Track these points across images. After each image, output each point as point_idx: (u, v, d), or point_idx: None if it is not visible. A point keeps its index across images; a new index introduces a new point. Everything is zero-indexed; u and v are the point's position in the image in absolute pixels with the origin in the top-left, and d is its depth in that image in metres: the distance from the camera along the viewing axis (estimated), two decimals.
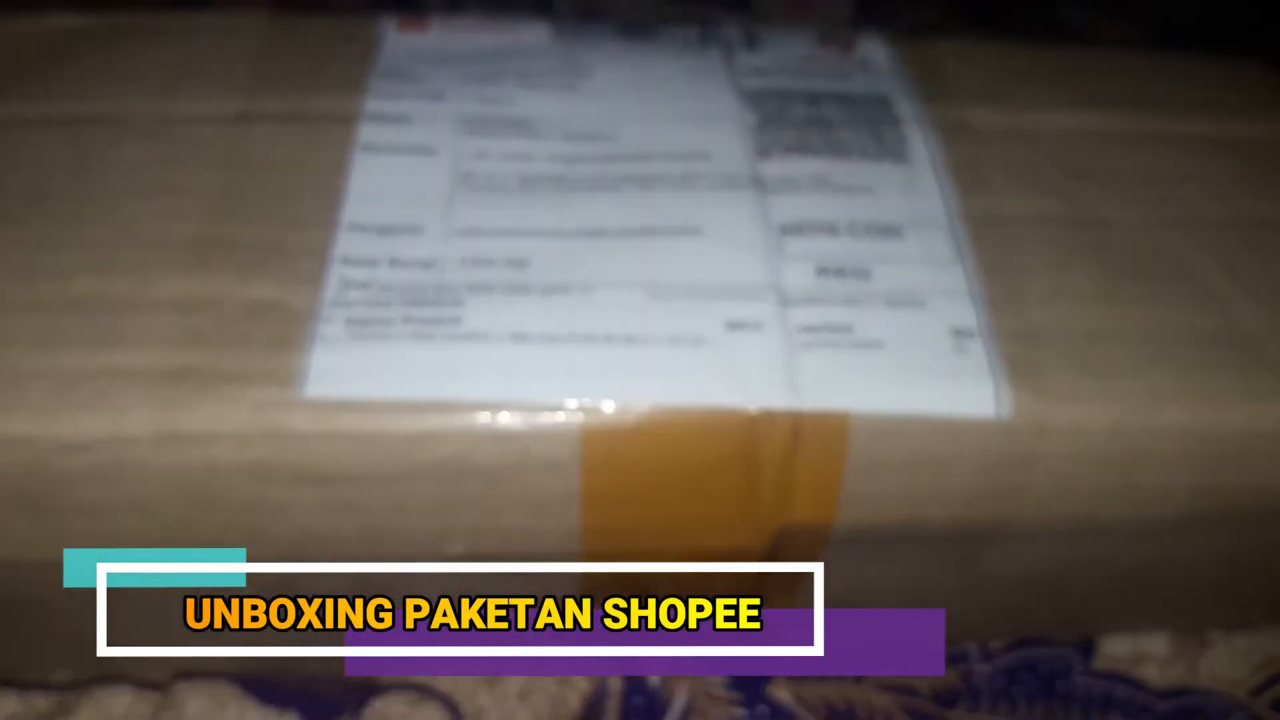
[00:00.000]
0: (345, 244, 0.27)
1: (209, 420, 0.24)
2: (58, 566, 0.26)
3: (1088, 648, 0.36)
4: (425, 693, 0.33)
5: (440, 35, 0.34)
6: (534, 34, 0.35)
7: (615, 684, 0.33)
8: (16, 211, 0.28)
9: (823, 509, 0.27)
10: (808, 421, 0.26)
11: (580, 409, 0.25)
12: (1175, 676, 0.35)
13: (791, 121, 0.32)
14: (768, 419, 0.25)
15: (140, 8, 0.35)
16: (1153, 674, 0.35)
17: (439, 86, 0.32)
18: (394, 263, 0.27)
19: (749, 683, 0.34)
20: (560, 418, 0.25)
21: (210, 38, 0.34)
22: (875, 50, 0.35)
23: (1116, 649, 0.36)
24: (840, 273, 0.28)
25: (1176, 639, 0.36)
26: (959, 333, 0.27)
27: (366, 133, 0.30)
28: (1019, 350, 0.27)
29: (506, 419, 0.25)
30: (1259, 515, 0.28)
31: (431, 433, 0.25)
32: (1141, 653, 0.36)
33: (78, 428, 0.24)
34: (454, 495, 0.25)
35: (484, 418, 0.25)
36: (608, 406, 0.25)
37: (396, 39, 0.34)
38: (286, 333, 0.26)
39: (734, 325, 0.26)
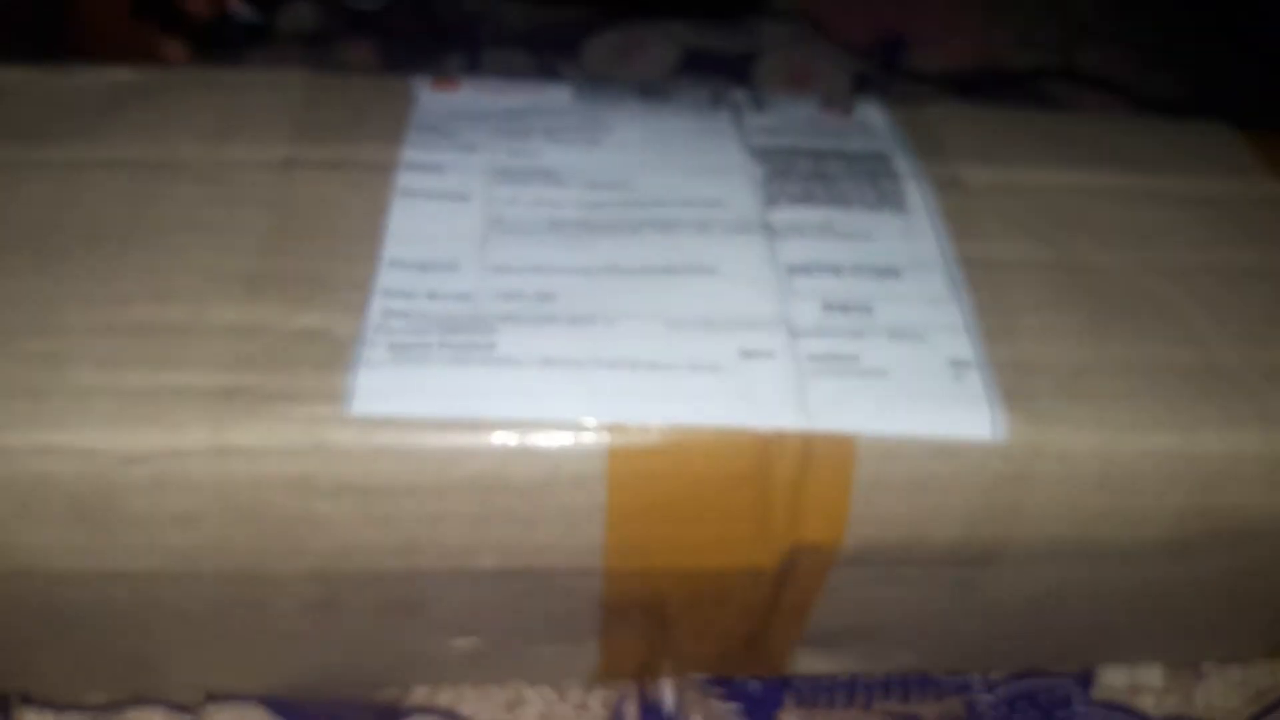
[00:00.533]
0: (386, 278, 0.29)
1: (259, 435, 0.26)
2: (107, 579, 0.28)
3: (1086, 679, 0.37)
4: (449, 717, 0.34)
5: (470, 94, 0.37)
6: (557, 94, 0.37)
7: (631, 710, 0.35)
8: (78, 245, 0.30)
9: (831, 527, 0.28)
10: (817, 442, 0.27)
11: (606, 428, 0.27)
12: (1171, 706, 0.37)
13: (797, 175, 0.34)
14: (779, 439, 0.27)
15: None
16: (1149, 704, 0.37)
17: (471, 140, 0.34)
18: (432, 295, 0.29)
19: (760, 709, 0.35)
20: (587, 436, 0.27)
21: (254, 92, 0.36)
22: (873, 115, 0.38)
23: (1114, 680, 0.37)
24: (845, 309, 0.30)
25: (1172, 671, 0.37)
26: (957, 363, 0.29)
27: (404, 179, 0.32)
28: (1013, 379, 0.29)
29: (536, 437, 0.27)
30: (1244, 537, 0.30)
31: (467, 449, 0.27)
32: (1138, 684, 0.37)
33: (136, 441, 0.26)
34: (487, 508, 0.27)
35: (515, 435, 0.27)
36: (631, 426, 0.27)
37: (430, 97, 0.36)
38: (332, 356, 0.27)
39: (747, 354, 0.28)
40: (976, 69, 0.64)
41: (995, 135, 0.38)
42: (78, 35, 0.57)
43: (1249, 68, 0.63)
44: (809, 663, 0.35)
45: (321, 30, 0.61)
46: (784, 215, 0.33)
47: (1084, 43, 0.67)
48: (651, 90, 0.38)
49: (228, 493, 0.26)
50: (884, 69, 0.64)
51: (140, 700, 0.34)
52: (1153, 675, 0.37)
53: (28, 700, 0.34)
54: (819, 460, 0.27)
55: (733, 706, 0.35)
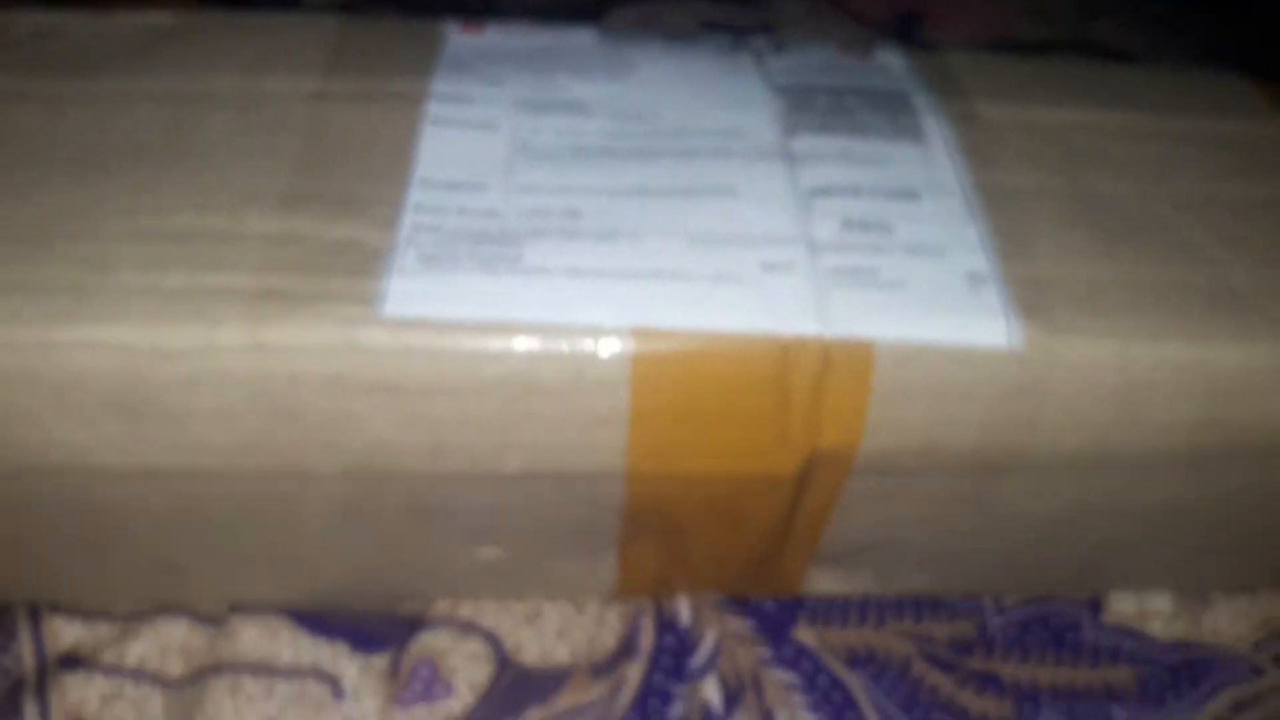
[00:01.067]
0: (417, 195, 0.30)
1: (294, 333, 0.27)
2: (141, 476, 0.29)
3: (1096, 604, 0.38)
4: (470, 628, 0.35)
5: (497, 37, 0.37)
6: (582, 35, 0.38)
7: (648, 624, 0.35)
8: (119, 165, 0.31)
9: (849, 433, 0.29)
10: (836, 348, 0.28)
11: (630, 333, 0.28)
12: (1180, 631, 0.37)
13: (816, 108, 0.35)
14: (800, 345, 0.28)
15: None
16: (1158, 629, 0.37)
17: (498, 75, 0.35)
18: (461, 211, 0.30)
19: (775, 626, 0.36)
20: (612, 341, 0.28)
21: (288, 32, 0.37)
22: (891, 58, 0.39)
23: (1123, 606, 0.38)
24: (864, 227, 0.31)
25: (1180, 598, 0.38)
26: (974, 277, 0.30)
27: (434, 109, 0.33)
28: (1029, 294, 0.30)
29: (562, 341, 0.27)
30: (1256, 453, 0.31)
31: (494, 351, 0.27)
32: (1147, 610, 0.38)
33: (174, 337, 0.27)
34: (514, 410, 0.28)
35: (541, 339, 0.27)
36: (655, 331, 0.28)
37: (459, 39, 0.37)
38: (365, 264, 0.28)
39: (768, 266, 0.29)
40: (990, 42, 0.65)
41: (1011, 78, 0.39)
42: None
43: (1261, 38, 0.63)
44: (822, 583, 0.36)
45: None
46: (804, 143, 0.33)
47: (1097, 15, 0.67)
48: (675, 35, 0.39)
49: (263, 389, 0.27)
50: (899, 43, 0.64)
51: (166, 610, 0.35)
52: (1162, 601, 0.38)
53: (56, 609, 0.35)
54: (838, 366, 0.28)
55: (748, 623, 0.36)
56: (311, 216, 0.30)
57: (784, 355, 0.28)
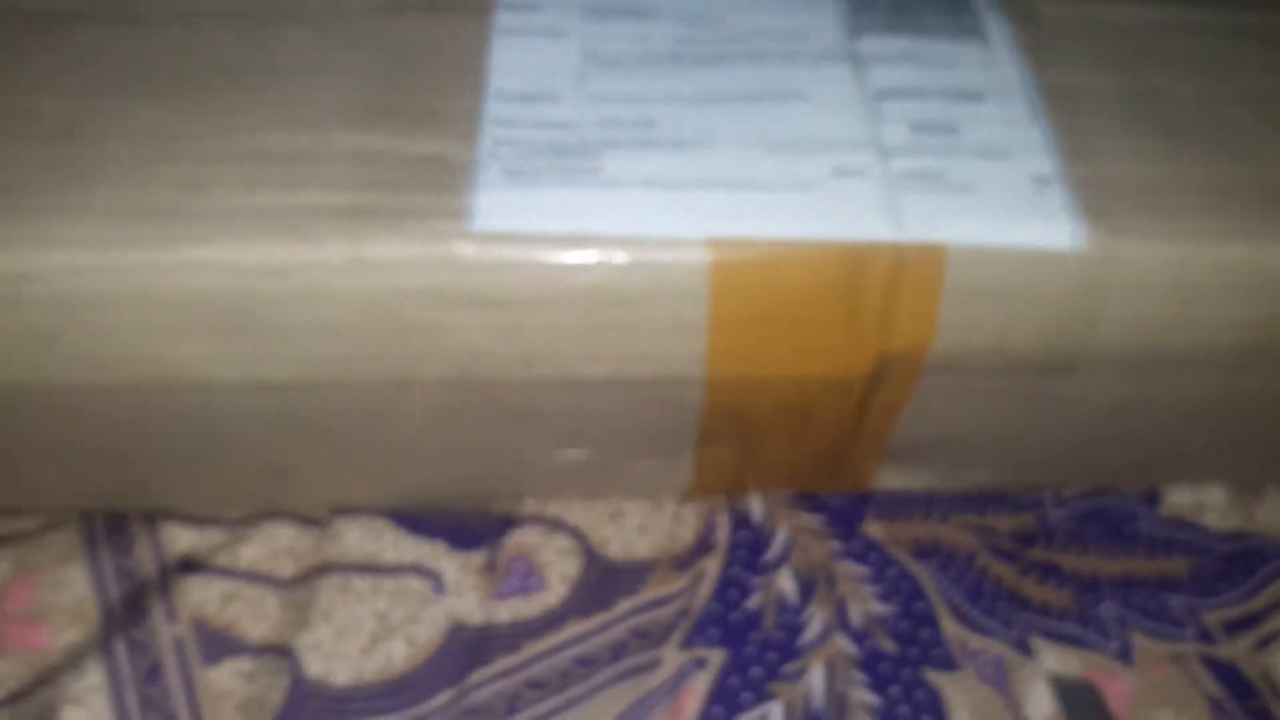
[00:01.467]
0: (494, 108, 0.31)
1: (391, 249, 0.28)
2: (250, 390, 0.31)
3: (1153, 497, 0.39)
4: (558, 525, 0.37)
5: None
6: None
7: (723, 520, 0.37)
8: (205, 84, 0.32)
9: (921, 335, 0.30)
10: (908, 252, 0.29)
11: (707, 243, 0.29)
12: (1234, 523, 0.39)
13: (880, 8, 0.35)
14: (872, 250, 0.29)
15: None
16: (1213, 520, 0.39)
17: None
18: (538, 123, 0.31)
19: (844, 520, 0.37)
20: (690, 251, 0.29)
21: None
22: None
23: (1179, 499, 0.39)
24: (932, 129, 0.31)
25: (1234, 491, 0.39)
26: (1039, 179, 0.30)
27: (503, 19, 0.34)
28: (1092, 195, 0.30)
29: (643, 251, 0.29)
30: None
31: (579, 263, 0.29)
32: (1202, 503, 0.39)
33: (278, 255, 0.28)
34: (599, 319, 0.29)
35: (623, 250, 0.29)
36: (731, 241, 0.29)
37: None
38: (451, 180, 0.29)
39: (840, 171, 0.30)
40: None
41: None
42: None
43: None
44: (889, 479, 0.38)
45: None
46: (869, 45, 0.34)
47: None
48: None
49: (363, 303, 0.29)
50: None
51: (272, 514, 0.37)
52: (1216, 495, 0.39)
53: (170, 516, 0.37)
54: (909, 269, 0.29)
55: (818, 518, 0.38)
56: (394, 132, 0.31)
57: (857, 260, 0.29)
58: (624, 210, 0.29)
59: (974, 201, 0.30)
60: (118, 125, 0.31)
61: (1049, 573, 0.37)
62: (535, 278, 0.29)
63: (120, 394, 0.31)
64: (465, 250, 0.28)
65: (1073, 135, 0.32)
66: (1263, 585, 0.37)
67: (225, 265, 0.28)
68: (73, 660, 0.34)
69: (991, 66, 0.34)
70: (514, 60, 0.33)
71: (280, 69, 0.32)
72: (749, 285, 0.29)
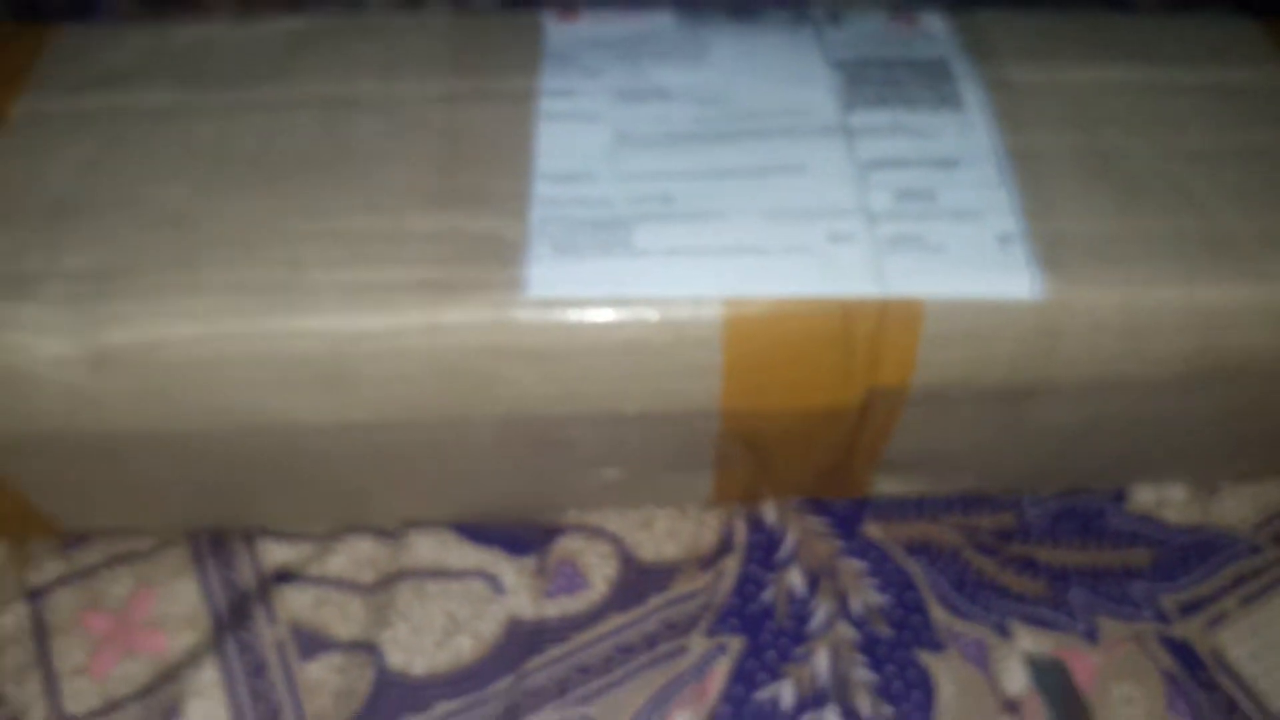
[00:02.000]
0: (541, 189, 0.37)
1: (461, 316, 0.34)
2: (337, 429, 0.36)
3: (1120, 496, 0.44)
4: (598, 532, 0.43)
5: (589, 24, 0.43)
6: (661, 19, 0.44)
7: (740, 525, 0.43)
8: (294, 170, 0.38)
9: (903, 373, 0.36)
10: (891, 306, 0.35)
11: (721, 301, 0.34)
12: (1191, 517, 0.44)
13: (870, 82, 0.41)
14: (860, 304, 0.34)
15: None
16: (1173, 515, 0.44)
17: (595, 66, 0.41)
18: (578, 201, 0.37)
19: (846, 523, 0.43)
20: (707, 308, 0.34)
21: (408, 34, 0.43)
22: (934, 23, 0.44)
23: (1143, 496, 0.45)
24: (913, 196, 0.37)
25: (1192, 489, 0.45)
26: (1003, 238, 0.36)
27: (545, 105, 0.40)
28: (1049, 249, 0.36)
29: (668, 309, 0.34)
30: (1242, 374, 0.37)
31: (615, 321, 0.34)
32: (1164, 499, 0.45)
33: (364, 323, 0.34)
34: (631, 366, 0.35)
35: (651, 309, 0.34)
36: (741, 299, 0.34)
37: (556, 28, 0.43)
38: (507, 254, 0.35)
39: (833, 237, 0.36)
40: None
41: (1038, 36, 0.44)
42: None
43: None
44: (885, 486, 0.43)
45: None
46: (860, 118, 0.39)
47: None
48: (741, 12, 0.44)
49: (436, 358, 0.34)
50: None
51: (352, 529, 0.43)
52: (1176, 492, 0.45)
53: (265, 533, 0.43)
54: (891, 319, 0.35)
55: (823, 521, 0.43)
56: (457, 212, 0.36)
57: (847, 313, 0.35)
58: (651, 276, 0.35)
59: (947, 260, 0.35)
60: (220, 211, 0.36)
61: (1025, 565, 0.43)
62: (579, 334, 0.34)
63: (229, 436, 0.37)
64: (520, 314, 0.34)
65: (1035, 194, 0.37)
66: (1214, 571, 0.43)
67: (320, 333, 0.34)
68: (192, 660, 0.40)
69: (967, 133, 0.39)
70: (556, 143, 0.38)
71: (358, 154, 0.38)
72: (756, 335, 0.35)
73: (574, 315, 0.34)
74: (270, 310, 0.34)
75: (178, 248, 0.35)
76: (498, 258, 0.35)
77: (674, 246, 0.35)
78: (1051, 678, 0.40)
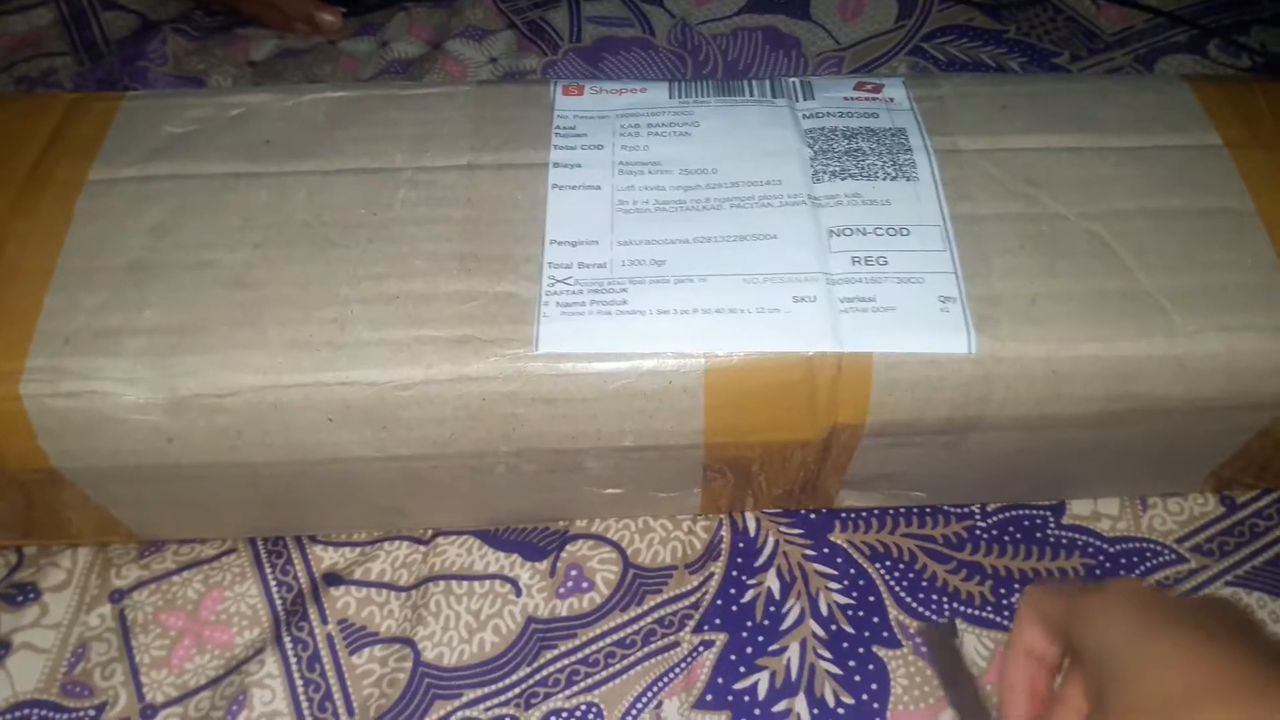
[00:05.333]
0: (551, 254, 0.43)
1: (483, 368, 0.40)
2: (380, 461, 0.43)
3: (1059, 509, 0.51)
4: (602, 540, 0.49)
5: (592, 98, 0.49)
6: (657, 94, 0.50)
7: (725, 533, 0.50)
8: (339, 238, 0.44)
9: (858, 414, 0.42)
10: (847, 359, 0.41)
11: (703, 355, 0.41)
12: (1123, 529, 0.50)
13: (835, 154, 0.47)
14: (821, 358, 0.41)
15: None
16: (1106, 527, 0.50)
17: (598, 139, 0.47)
18: (581, 265, 0.43)
19: (816, 532, 0.50)
20: (691, 361, 0.41)
21: (435, 104, 0.49)
22: (896, 91, 0.50)
23: (1080, 510, 0.51)
24: (868, 261, 0.43)
25: (1125, 503, 0.51)
26: (945, 299, 0.42)
27: (554, 176, 0.46)
28: (984, 309, 0.42)
29: (657, 362, 0.41)
30: (1155, 413, 0.43)
31: (612, 372, 0.41)
32: (1099, 513, 0.51)
33: (403, 375, 0.40)
34: (627, 409, 0.41)
35: (643, 362, 0.41)
36: (720, 354, 0.41)
37: (563, 100, 0.49)
38: (522, 313, 0.41)
39: (798, 299, 0.42)
40: None
41: (986, 104, 0.49)
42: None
43: None
44: (851, 500, 0.50)
45: None
46: (825, 189, 0.45)
47: None
48: (726, 86, 0.50)
49: (463, 404, 0.41)
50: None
51: (390, 537, 0.50)
52: (1110, 506, 0.51)
53: (315, 540, 0.50)
54: (847, 370, 0.41)
55: (797, 530, 0.50)
56: (481, 275, 0.43)
57: (810, 365, 0.41)
58: (643, 334, 0.41)
59: (895, 320, 0.41)
60: (276, 274, 0.43)
61: (974, 571, 0.49)
62: (583, 383, 0.41)
63: (287, 468, 0.43)
64: (533, 367, 0.40)
65: (973, 258, 0.43)
66: (1143, 577, 0.49)
67: (365, 383, 0.40)
68: (255, 653, 0.47)
69: (918, 202, 0.45)
70: (564, 211, 0.45)
71: (395, 222, 0.44)
72: (733, 384, 0.41)
73: (579, 367, 0.41)
74: (323, 365, 0.41)
75: (242, 308, 0.42)
76: (514, 316, 0.41)
77: (663, 307, 0.42)
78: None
